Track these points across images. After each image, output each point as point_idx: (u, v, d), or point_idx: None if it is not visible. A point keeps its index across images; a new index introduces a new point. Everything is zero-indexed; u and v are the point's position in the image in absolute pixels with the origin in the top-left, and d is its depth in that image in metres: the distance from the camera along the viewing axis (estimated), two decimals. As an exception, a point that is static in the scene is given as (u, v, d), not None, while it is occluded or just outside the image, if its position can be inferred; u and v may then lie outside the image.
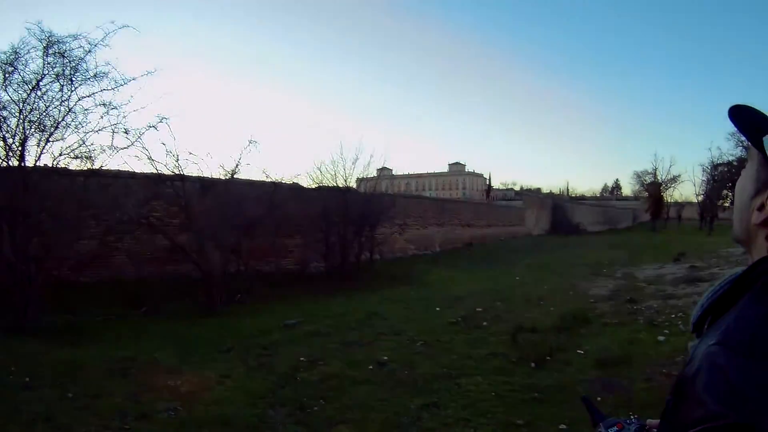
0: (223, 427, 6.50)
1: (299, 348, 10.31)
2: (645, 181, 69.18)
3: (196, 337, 11.09)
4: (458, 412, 6.99)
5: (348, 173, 22.84)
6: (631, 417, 1.85)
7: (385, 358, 9.57)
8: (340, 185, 22.84)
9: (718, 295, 1.34)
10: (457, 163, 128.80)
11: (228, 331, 11.79)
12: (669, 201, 71.52)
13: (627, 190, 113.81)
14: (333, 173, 22.88)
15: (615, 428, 1.79)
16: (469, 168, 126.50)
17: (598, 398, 7.45)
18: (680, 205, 77.10)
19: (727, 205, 65.82)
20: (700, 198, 64.56)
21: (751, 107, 1.39)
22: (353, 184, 23.73)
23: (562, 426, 6.50)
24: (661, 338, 10.63)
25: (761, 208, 1.28)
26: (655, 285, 18.27)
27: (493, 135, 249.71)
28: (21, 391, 7.19)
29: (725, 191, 62.20)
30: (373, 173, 25.03)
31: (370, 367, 9.12)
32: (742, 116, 1.37)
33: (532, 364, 9.13)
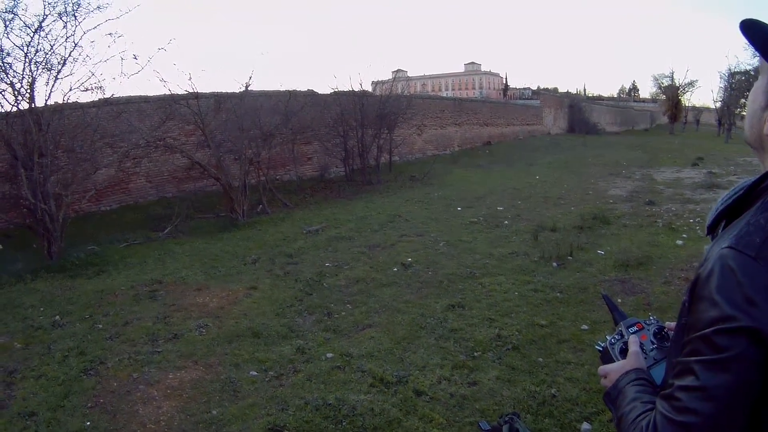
0: (254, 339, 6.55)
1: (324, 254, 10.40)
2: (662, 84, 67.78)
3: (221, 252, 11.11)
4: (483, 312, 7.05)
5: (363, 77, 22.54)
6: (651, 318, 1.86)
7: (409, 259, 9.62)
8: (356, 89, 22.42)
9: (732, 200, 1.43)
10: (472, 63, 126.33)
11: (252, 242, 11.82)
12: (686, 105, 70.30)
13: (645, 92, 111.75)
14: (348, 77, 22.56)
15: (635, 328, 1.82)
16: (485, 68, 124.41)
17: (619, 300, 7.47)
18: (698, 111, 75.83)
19: (744, 113, 64.89)
20: (718, 105, 63.27)
21: (762, 21, 1.38)
22: (369, 88, 23.46)
23: (584, 326, 6.55)
24: (679, 242, 10.59)
25: None
26: (674, 188, 18.14)
27: (509, 34, 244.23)
28: (52, 329, 7.17)
29: (743, 100, 61.16)
30: (388, 76, 24.67)
31: (395, 269, 9.17)
32: (753, 30, 1.37)
33: (554, 264, 9.19)
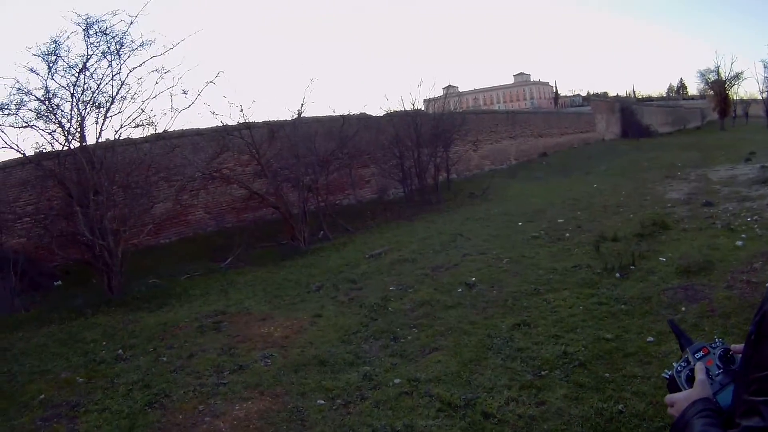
0: (320, 367, 6.60)
1: (387, 277, 10.41)
2: (709, 79, 66.15)
3: (284, 280, 11.16)
4: (548, 329, 7.07)
5: (415, 96, 22.58)
6: (716, 341, 1.85)
7: (473, 279, 9.63)
8: (409, 109, 22.50)
9: None
10: (521, 74, 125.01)
11: (315, 269, 11.86)
12: (734, 99, 68.43)
13: (692, 89, 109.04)
14: (400, 98, 22.67)
15: (701, 353, 1.81)
16: (534, 78, 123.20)
17: (682, 308, 7.42)
18: (746, 103, 73.53)
19: None
20: (765, 95, 61.64)
21: None
22: (421, 107, 23.55)
23: (650, 338, 6.51)
24: (739, 243, 10.41)
25: None
26: (729, 187, 17.70)
27: (555, 42, 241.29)
28: (115, 363, 7.30)
29: None
30: (439, 93, 24.67)
31: (459, 289, 9.20)
32: None
33: (617, 275, 9.12)
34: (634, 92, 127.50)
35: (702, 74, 66.92)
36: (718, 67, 65.22)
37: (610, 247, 10.92)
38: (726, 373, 1.75)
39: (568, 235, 12.56)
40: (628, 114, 52.02)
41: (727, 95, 62.65)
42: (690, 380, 1.78)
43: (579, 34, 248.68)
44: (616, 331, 6.85)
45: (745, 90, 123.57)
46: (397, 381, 6.02)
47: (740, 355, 1.70)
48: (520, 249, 11.51)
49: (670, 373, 1.89)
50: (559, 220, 14.28)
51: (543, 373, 5.90)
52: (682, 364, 1.85)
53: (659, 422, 4.79)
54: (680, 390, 1.79)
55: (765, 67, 60.97)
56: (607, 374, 5.75)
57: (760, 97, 65.42)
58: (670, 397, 1.76)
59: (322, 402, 5.74)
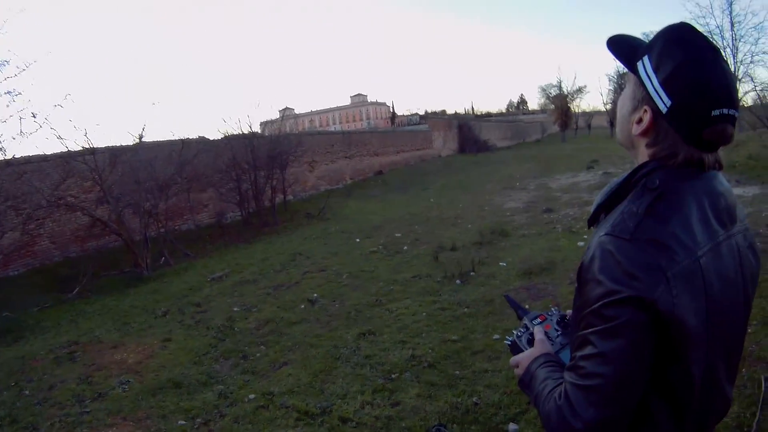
0: (176, 389, 6.60)
1: (230, 299, 10.46)
2: (550, 94, 70.24)
3: (131, 307, 11.08)
4: (394, 336, 7.24)
5: (251, 119, 22.72)
6: (552, 309, 2.06)
7: (315, 295, 9.73)
8: (246, 132, 22.90)
9: (608, 194, 1.68)
10: (359, 95, 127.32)
11: (160, 295, 11.82)
12: (577, 111, 72.84)
13: (533, 104, 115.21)
14: (237, 120, 22.79)
15: (538, 320, 2.01)
16: (371, 98, 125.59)
17: (526, 306, 7.69)
18: (589, 115, 78.69)
19: None
20: (609, 107, 66.15)
21: (626, 35, 1.72)
22: (257, 129, 23.71)
23: (496, 336, 6.78)
24: (581, 243, 11.05)
25: (639, 121, 1.60)
26: (570, 193, 18.88)
27: (392, 63, 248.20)
28: None
29: None
30: (276, 115, 24.94)
31: (302, 306, 9.30)
32: (618, 45, 1.70)
33: (457, 281, 9.46)
34: (473, 109, 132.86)
35: (544, 89, 70.91)
36: (560, 81, 69.36)
37: (449, 256, 11.32)
38: (565, 335, 1.93)
39: (406, 248, 12.85)
40: (466, 130, 54.07)
41: (568, 108, 66.67)
42: (531, 342, 1.95)
43: (416, 54, 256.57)
44: (462, 332, 7.11)
45: (588, 103, 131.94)
46: (252, 396, 6.07)
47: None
48: (359, 264, 11.67)
49: (511, 338, 2.05)
50: (397, 235, 14.57)
51: (393, 376, 6.06)
52: (522, 330, 2.03)
53: (516, 409, 5.03)
54: (522, 351, 1.96)
55: (609, 81, 65.65)
56: (457, 372, 5.97)
57: (603, 109, 69.93)
58: (514, 359, 1.94)
59: (183, 422, 5.72)
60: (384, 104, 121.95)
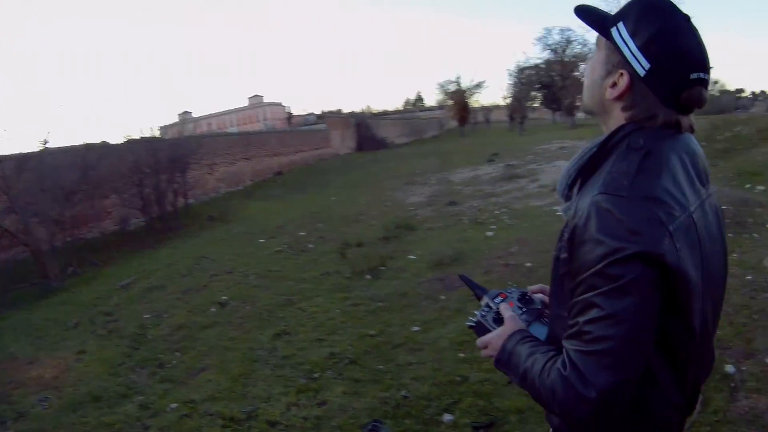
0: (96, 403, 6.32)
1: (140, 306, 10.09)
2: (449, 90, 71.02)
3: (43, 320, 10.53)
4: (309, 335, 7.10)
5: (153, 123, 22.42)
6: (511, 287, 2.05)
7: (224, 297, 9.50)
8: (147, 136, 22.48)
9: (587, 158, 1.69)
10: (256, 96, 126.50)
11: (70, 306, 11.27)
12: (475, 106, 73.77)
13: (431, 101, 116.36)
14: (140, 124, 22.50)
15: (500, 298, 2.00)
16: (268, 99, 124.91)
17: (442, 297, 7.80)
18: (488, 109, 79.84)
19: (536, 105, 69.76)
20: (508, 101, 67.40)
21: (592, 6, 1.77)
22: (158, 133, 23.36)
23: (415, 328, 6.76)
24: (489, 233, 11.13)
25: (614, 85, 1.64)
26: (473, 186, 19.01)
27: (289, 63, 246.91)
28: None
29: (533, 93, 65.73)
30: (175, 119, 24.69)
31: (213, 309, 9.04)
32: (588, 13, 1.75)
33: (368, 276, 9.38)
34: (369, 107, 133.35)
35: (442, 86, 71.61)
36: (459, 77, 70.21)
37: (356, 252, 11.21)
38: (528, 312, 1.94)
39: (311, 246, 12.67)
40: (364, 128, 54.08)
41: (467, 104, 67.48)
42: (497, 321, 1.92)
43: (315, 55, 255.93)
44: (379, 326, 7.03)
45: (488, 98, 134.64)
46: (173, 406, 5.83)
47: (538, 294, 2.02)
48: (266, 264, 11.42)
49: (474, 320, 2.00)
50: (301, 234, 14.34)
51: (315, 375, 5.92)
52: (485, 309, 1.99)
53: (447, 399, 4.99)
54: (490, 331, 1.91)
55: (510, 75, 66.94)
56: (380, 366, 5.88)
57: (503, 103, 71.21)
58: (482, 340, 1.90)
59: (108, 437, 5.43)
60: (281, 105, 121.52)
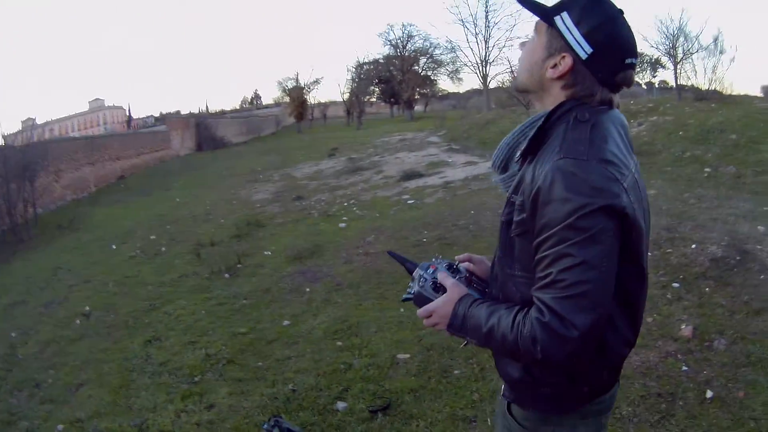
0: None
1: (4, 324, 9.23)
2: (287, 87, 70.46)
3: None
4: (181, 338, 6.77)
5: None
6: (437, 258, 2.13)
7: (87, 308, 8.87)
8: None
9: (535, 131, 1.80)
10: (96, 99, 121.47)
11: None
12: (313, 103, 73.48)
13: (270, 98, 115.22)
14: None
15: (431, 269, 2.05)
16: (108, 103, 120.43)
17: (307, 289, 7.73)
18: (325, 105, 79.64)
19: (373, 100, 70.19)
20: (346, 96, 67.55)
21: None
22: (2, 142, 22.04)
23: (286, 322, 6.67)
24: (342, 225, 11.13)
25: (554, 66, 1.79)
26: (317, 180, 18.98)
27: (128, 66, 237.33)
28: None
29: (372, 87, 66.20)
30: (18, 126, 23.29)
31: (78, 321, 8.41)
32: (532, 4, 1.88)
33: (226, 275, 9.11)
34: (207, 108, 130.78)
35: (281, 83, 70.98)
36: (298, 74, 69.70)
37: (210, 252, 10.90)
38: (459, 280, 2.02)
39: (164, 249, 12.17)
40: (203, 128, 52.87)
41: (305, 100, 67.08)
42: (437, 289, 2.00)
43: (153, 56, 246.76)
44: (249, 324, 6.85)
45: (325, 94, 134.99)
46: (60, 428, 5.34)
47: (464, 263, 2.15)
48: (121, 271, 10.82)
49: (412, 292, 2.07)
50: (152, 237, 13.77)
51: (196, 379, 5.65)
52: (422, 281, 2.05)
53: (336, 387, 4.95)
54: (431, 300, 1.98)
55: (348, 71, 67.09)
56: (260, 363, 5.72)
57: (340, 99, 71.28)
58: (425, 309, 1.98)
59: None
60: (120, 107, 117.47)
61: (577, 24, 1.74)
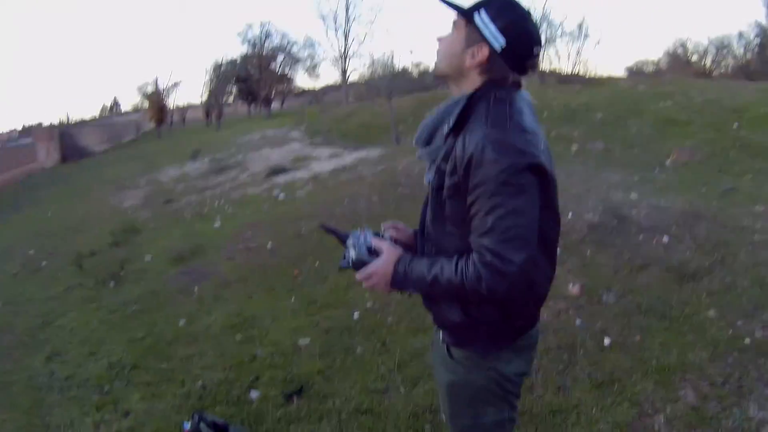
0: None
1: None
2: (147, 92, 67.70)
3: None
4: (80, 351, 6.51)
5: None
6: (365, 226, 2.29)
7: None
8: None
9: (460, 109, 1.99)
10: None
11: None
12: (173, 107, 70.93)
13: (128, 105, 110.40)
14: None
15: (362, 237, 2.21)
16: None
17: (195, 288, 7.64)
18: (183, 109, 77.07)
19: (231, 101, 68.31)
20: (205, 98, 65.59)
21: None
22: None
23: (182, 322, 6.60)
24: (216, 224, 11.03)
25: (473, 55, 2.02)
26: (184, 183, 18.48)
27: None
28: None
29: (230, 87, 64.47)
30: None
31: None
32: (451, 4, 2.07)
33: (112, 283, 8.84)
34: (68, 117, 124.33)
35: (140, 89, 68.16)
36: (157, 79, 67.07)
37: (91, 262, 10.46)
38: None
39: (45, 263, 11.53)
40: (67, 138, 50.35)
41: (164, 104, 64.70)
42: (372, 253, 2.17)
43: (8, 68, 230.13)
44: (145, 328, 6.67)
45: (184, 98, 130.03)
46: None
47: (388, 231, 2.38)
48: (7, 289, 10.15)
49: (348, 259, 2.22)
50: (30, 252, 13.01)
51: (106, 389, 5.44)
52: (357, 247, 2.20)
53: (248, 377, 4.99)
54: (368, 263, 2.16)
55: (206, 72, 65.03)
56: (164, 365, 5.60)
57: (199, 101, 69.09)
58: (363, 271, 2.17)
59: None
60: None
61: (493, 20, 1.97)
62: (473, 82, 2.07)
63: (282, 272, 7.73)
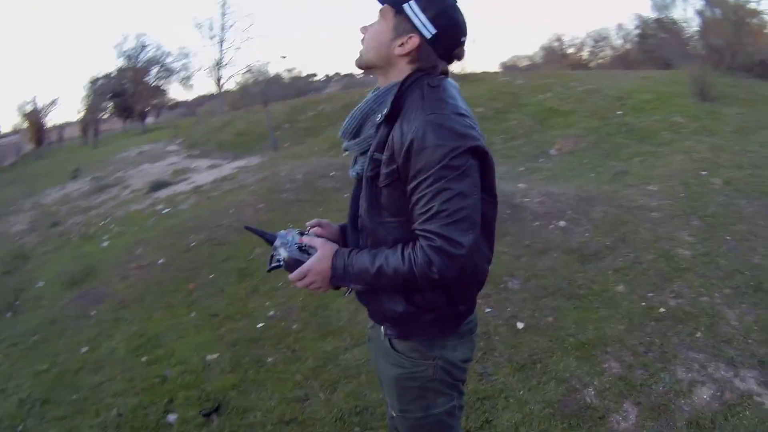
0: None
1: None
2: (26, 112, 63.31)
3: None
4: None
5: None
6: (290, 226, 2.27)
7: None
8: None
9: (393, 98, 1.98)
10: None
11: None
12: (49, 126, 66.71)
13: (8, 126, 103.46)
14: None
15: (289, 236, 2.17)
16: None
17: (93, 312, 7.35)
18: (61, 128, 72.75)
19: (107, 116, 64.73)
20: (81, 115, 61.88)
21: None
22: None
23: (84, 349, 6.30)
24: (104, 244, 10.63)
25: (401, 45, 2.01)
26: (68, 204, 17.45)
27: None
28: None
29: (105, 103, 60.98)
30: None
31: None
32: None
33: (8, 315, 8.32)
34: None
35: (20, 108, 63.73)
36: (35, 98, 62.95)
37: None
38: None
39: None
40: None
41: (42, 124, 60.82)
42: (303, 251, 2.12)
43: None
44: (48, 359, 6.29)
45: (62, 116, 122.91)
46: None
47: (314, 228, 2.31)
48: None
49: (280, 259, 2.15)
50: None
51: (20, 429, 5.03)
52: (284, 248, 2.14)
53: (160, 401, 4.80)
54: (303, 262, 2.09)
55: (83, 88, 61.13)
56: (74, 396, 5.29)
57: (75, 119, 65.24)
58: (298, 271, 2.09)
59: None
60: None
61: (423, 10, 1.97)
62: (401, 71, 2.06)
63: (178, 288, 7.52)
